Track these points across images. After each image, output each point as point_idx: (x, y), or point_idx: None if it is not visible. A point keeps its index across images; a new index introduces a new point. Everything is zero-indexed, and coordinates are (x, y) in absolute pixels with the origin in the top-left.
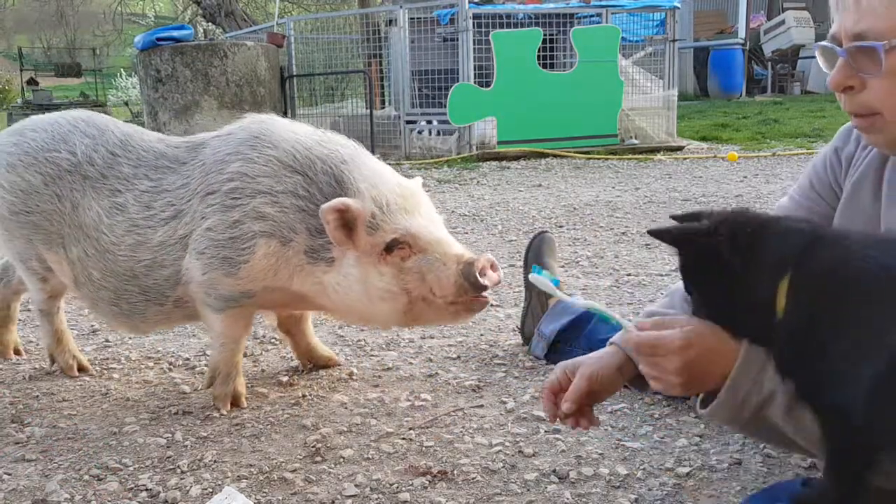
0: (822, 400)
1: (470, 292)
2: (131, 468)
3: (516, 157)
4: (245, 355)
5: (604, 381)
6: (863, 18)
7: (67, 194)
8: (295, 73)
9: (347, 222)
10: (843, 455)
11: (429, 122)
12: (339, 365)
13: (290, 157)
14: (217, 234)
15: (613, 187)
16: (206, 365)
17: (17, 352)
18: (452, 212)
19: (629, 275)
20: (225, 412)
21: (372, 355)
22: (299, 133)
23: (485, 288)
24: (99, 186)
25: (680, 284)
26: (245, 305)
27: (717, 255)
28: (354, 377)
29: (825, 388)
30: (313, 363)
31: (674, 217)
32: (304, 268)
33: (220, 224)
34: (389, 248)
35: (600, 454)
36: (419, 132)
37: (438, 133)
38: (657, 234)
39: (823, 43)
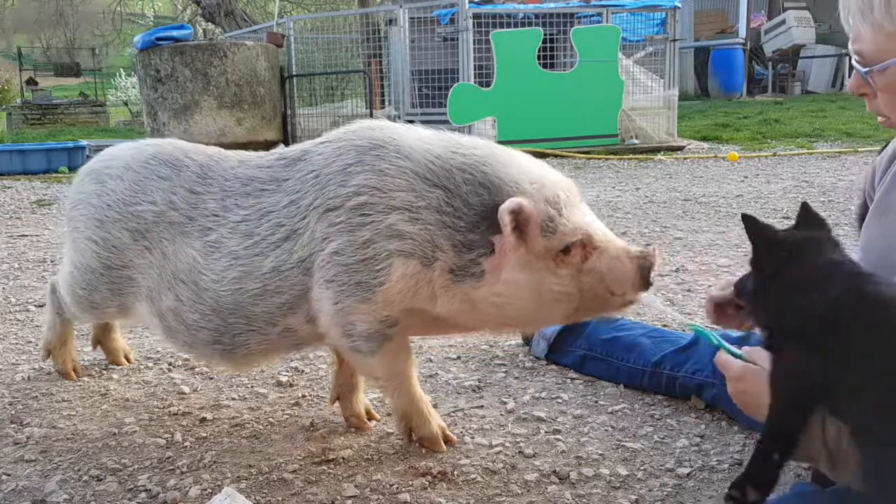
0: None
1: (642, 288)
2: (130, 469)
3: None
4: None
5: None
6: (856, 40)
7: (156, 245)
8: (295, 73)
9: (519, 224)
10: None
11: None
12: (368, 429)
13: (426, 170)
14: (346, 257)
15: (614, 187)
16: (205, 366)
17: (127, 358)
18: None
19: None
20: (444, 450)
21: None
22: (427, 140)
23: (652, 284)
24: (189, 230)
25: None
26: (395, 337)
27: None
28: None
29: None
30: (343, 399)
31: None
32: (448, 288)
33: (349, 246)
34: (567, 249)
35: (601, 455)
36: None
37: None
38: None
39: (849, 46)
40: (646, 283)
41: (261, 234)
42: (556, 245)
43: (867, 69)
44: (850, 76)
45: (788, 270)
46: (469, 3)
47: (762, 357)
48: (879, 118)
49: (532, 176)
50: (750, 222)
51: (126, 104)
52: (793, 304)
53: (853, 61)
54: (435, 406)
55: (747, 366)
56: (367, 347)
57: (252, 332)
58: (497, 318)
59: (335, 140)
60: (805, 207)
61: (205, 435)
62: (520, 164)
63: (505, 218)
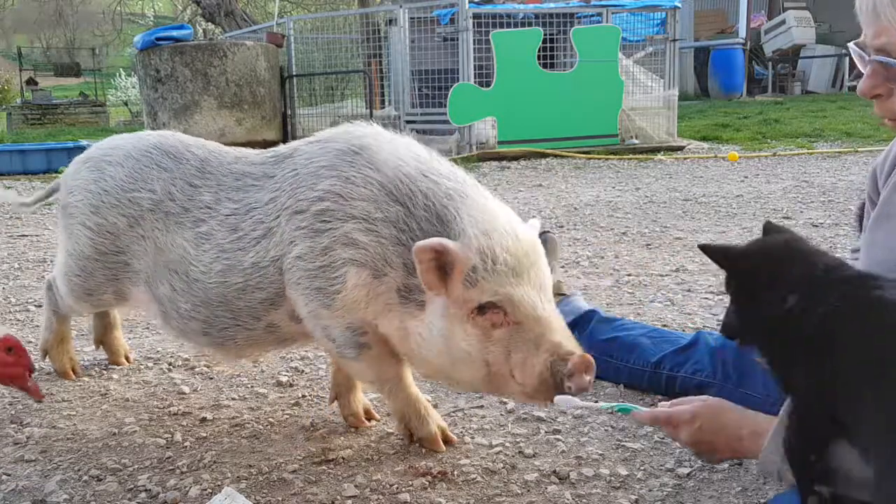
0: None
1: (549, 392)
2: (130, 469)
3: (516, 157)
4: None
5: None
6: (883, 33)
7: (150, 234)
8: (295, 73)
9: (444, 265)
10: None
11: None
12: (366, 427)
13: (393, 185)
14: (307, 262)
15: (614, 187)
16: (205, 365)
17: (127, 358)
18: None
19: (629, 275)
20: (443, 450)
21: None
22: (403, 158)
23: (565, 393)
24: (183, 220)
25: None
26: (375, 344)
27: None
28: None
29: None
30: (341, 398)
31: None
32: (392, 308)
33: (310, 251)
34: (482, 308)
35: (601, 455)
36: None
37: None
38: None
39: (853, 46)
40: (555, 387)
41: (244, 230)
42: (473, 298)
43: None
44: (850, 76)
45: (777, 279)
46: (469, 3)
47: (688, 401)
48: (888, 122)
49: (483, 225)
50: (709, 251)
51: (126, 104)
52: (804, 310)
53: (873, 58)
54: (435, 406)
55: (693, 407)
56: (350, 353)
57: (238, 327)
58: (419, 360)
59: (320, 141)
60: (768, 224)
61: (205, 435)
62: (481, 209)
63: (420, 255)
